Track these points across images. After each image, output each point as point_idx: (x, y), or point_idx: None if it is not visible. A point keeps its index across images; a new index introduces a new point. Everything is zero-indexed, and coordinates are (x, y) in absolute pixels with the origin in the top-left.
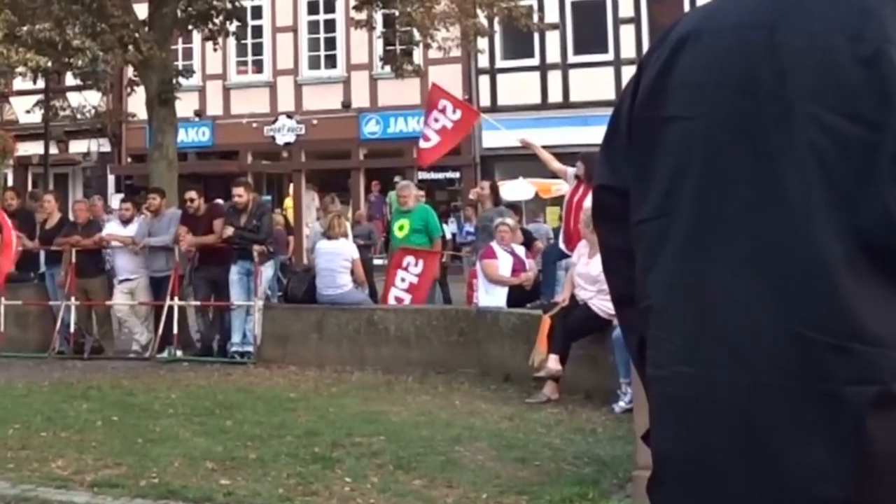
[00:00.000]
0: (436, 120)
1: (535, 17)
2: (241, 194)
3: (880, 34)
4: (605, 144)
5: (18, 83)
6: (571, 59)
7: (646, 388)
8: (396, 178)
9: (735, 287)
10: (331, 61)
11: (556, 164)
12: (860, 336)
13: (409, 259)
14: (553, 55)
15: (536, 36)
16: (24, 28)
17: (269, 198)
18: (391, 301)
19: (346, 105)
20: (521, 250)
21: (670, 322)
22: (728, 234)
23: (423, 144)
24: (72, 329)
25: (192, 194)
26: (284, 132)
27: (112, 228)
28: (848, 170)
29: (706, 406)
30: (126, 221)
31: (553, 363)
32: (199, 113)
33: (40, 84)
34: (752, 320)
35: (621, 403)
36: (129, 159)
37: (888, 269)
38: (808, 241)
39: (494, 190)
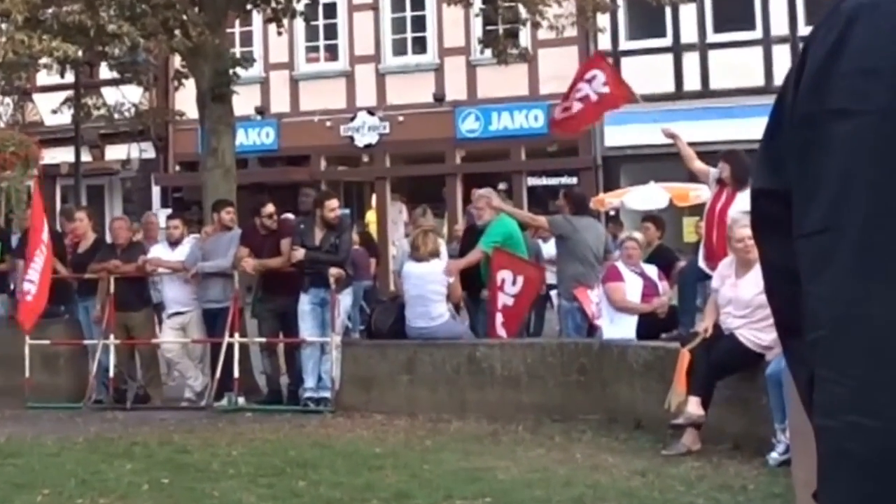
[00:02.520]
0: (579, 90)
1: None
2: (334, 207)
3: None
4: (765, 141)
5: (43, 78)
6: (711, 37)
7: (816, 439)
8: (501, 185)
9: None
10: (420, 45)
11: (697, 164)
12: None
13: (506, 275)
14: (689, 34)
15: (669, 10)
16: (49, 11)
17: (347, 211)
18: (498, 328)
19: (439, 98)
20: (652, 270)
21: (842, 360)
22: None
23: (558, 115)
24: (111, 373)
25: (270, 208)
26: (364, 132)
27: (158, 252)
28: None
29: (886, 468)
30: (174, 243)
31: (694, 407)
32: (262, 110)
33: (69, 78)
34: None
35: (776, 454)
36: (178, 167)
37: None
38: None
39: (573, 200)
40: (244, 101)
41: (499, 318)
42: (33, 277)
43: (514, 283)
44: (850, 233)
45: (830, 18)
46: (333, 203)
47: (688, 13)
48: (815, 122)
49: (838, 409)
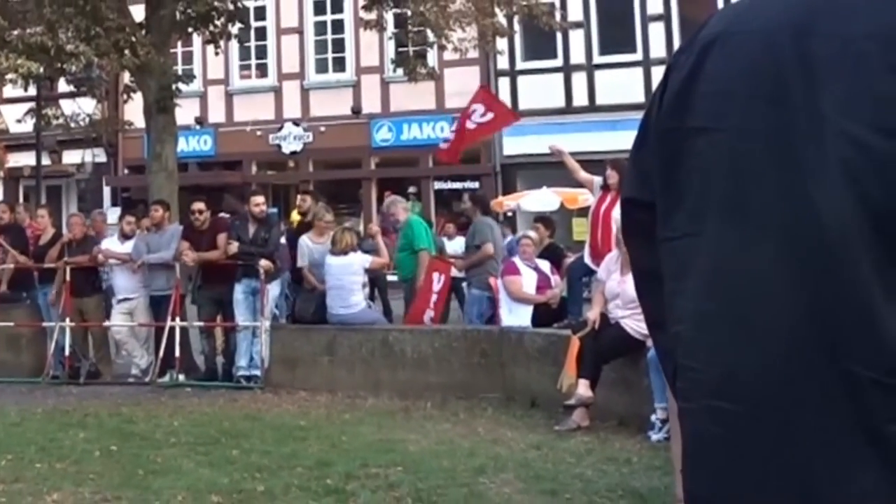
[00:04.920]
0: (455, 121)
1: (558, 16)
2: (259, 203)
3: None
4: (633, 154)
5: (8, 91)
6: (597, 59)
7: (680, 421)
8: (411, 189)
9: (773, 319)
10: (339, 64)
11: (582, 174)
12: None
13: (436, 276)
14: (577, 55)
15: (559, 35)
16: (15, 32)
17: (275, 210)
18: (427, 321)
19: (356, 111)
20: (545, 265)
21: (701, 351)
22: (758, 260)
23: (442, 146)
24: (66, 352)
25: (200, 205)
26: (290, 140)
27: (109, 244)
28: (882, 190)
29: (743, 446)
30: (127, 236)
31: (583, 389)
32: (201, 120)
33: (32, 91)
34: (794, 354)
35: (657, 431)
36: (126, 170)
37: None
38: (846, 272)
39: (478, 201)
40: (185, 113)
41: (429, 313)
42: None
43: (439, 281)
44: (707, 239)
45: (690, 45)
46: (258, 199)
47: (576, 37)
48: (676, 137)
49: (699, 394)
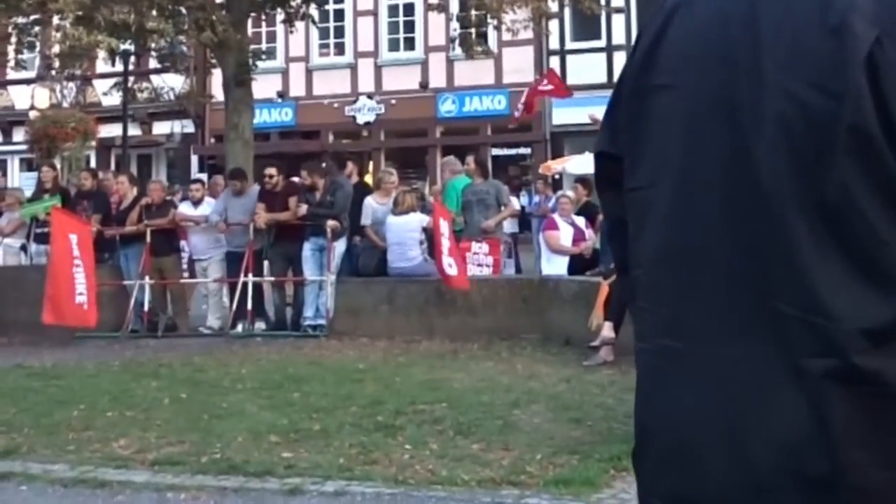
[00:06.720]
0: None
1: (602, 1)
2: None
3: (846, 2)
4: (607, 111)
5: (101, 66)
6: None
7: (635, 359)
8: (471, 155)
9: (713, 262)
10: (409, 43)
11: None
12: (820, 310)
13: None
14: (619, 37)
15: (603, 19)
16: (101, 12)
17: None
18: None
19: (424, 85)
20: (581, 221)
21: (654, 294)
22: (705, 208)
23: (517, 114)
24: (146, 307)
25: (272, 171)
26: (364, 112)
27: (184, 209)
28: (812, 142)
29: (683, 380)
30: (197, 202)
31: (607, 331)
32: (283, 94)
33: (121, 67)
34: (729, 293)
35: None
36: (213, 140)
37: (846, 243)
38: (777, 216)
39: (480, 164)
40: (268, 87)
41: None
42: (83, 290)
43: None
44: (664, 188)
45: (657, 13)
46: (303, 172)
47: (618, 21)
48: (643, 94)
49: (650, 334)
